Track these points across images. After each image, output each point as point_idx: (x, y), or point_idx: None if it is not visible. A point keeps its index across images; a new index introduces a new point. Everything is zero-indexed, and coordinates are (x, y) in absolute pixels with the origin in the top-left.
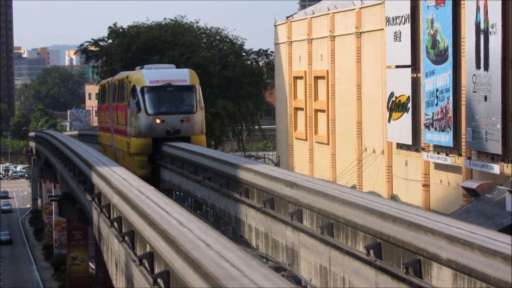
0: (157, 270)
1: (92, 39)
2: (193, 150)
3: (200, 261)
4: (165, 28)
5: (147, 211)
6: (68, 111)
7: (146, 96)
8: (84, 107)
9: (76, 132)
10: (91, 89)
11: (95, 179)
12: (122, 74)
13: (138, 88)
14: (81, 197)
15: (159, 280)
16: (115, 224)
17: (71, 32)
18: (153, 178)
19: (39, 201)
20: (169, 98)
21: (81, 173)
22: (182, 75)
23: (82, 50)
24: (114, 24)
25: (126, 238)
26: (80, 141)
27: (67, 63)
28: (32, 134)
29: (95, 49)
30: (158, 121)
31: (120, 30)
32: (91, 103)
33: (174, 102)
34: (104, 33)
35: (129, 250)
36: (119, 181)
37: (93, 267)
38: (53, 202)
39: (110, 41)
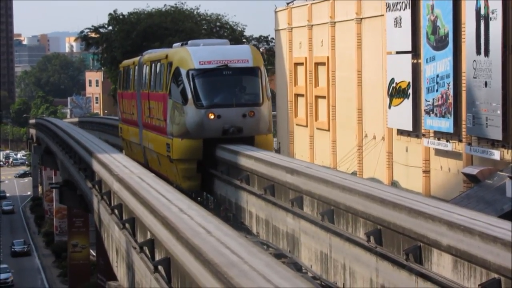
0: (157, 257)
1: (92, 26)
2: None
3: (200, 248)
4: (165, 15)
5: (148, 198)
6: (69, 98)
7: (195, 82)
8: (85, 94)
9: (76, 119)
10: (92, 76)
11: (96, 166)
12: (157, 53)
13: (183, 72)
14: (82, 184)
15: (159, 267)
16: (116, 211)
17: (72, 19)
18: (203, 193)
19: (39, 188)
20: (227, 84)
21: (81, 160)
22: (243, 54)
23: (82, 37)
24: (114, 11)
25: (127, 225)
26: (80, 128)
27: (67, 50)
28: (32, 121)
29: (95, 36)
30: (212, 116)
31: (120, 16)
32: (92, 90)
33: (233, 91)
34: (104, 20)
35: (130, 237)
36: (120, 168)
37: (94, 254)
38: (54, 189)
39: (110, 28)
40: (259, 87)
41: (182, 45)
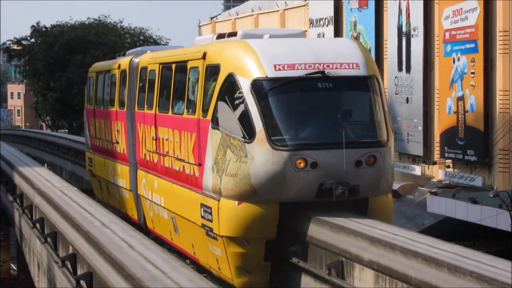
0: (80, 271)
1: (15, 38)
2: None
3: (123, 263)
4: (88, 28)
5: (70, 212)
6: None
7: (269, 102)
8: (6, 107)
9: None
10: (14, 88)
11: (17, 179)
12: (175, 50)
13: (246, 83)
14: (3, 198)
15: (82, 282)
16: (38, 225)
17: None
18: None
19: None
20: (326, 107)
21: (2, 173)
22: (349, 53)
23: (4, 49)
24: (37, 23)
25: (49, 239)
26: (1, 141)
27: None
28: None
29: (18, 48)
30: (302, 164)
31: (43, 29)
32: (13, 103)
33: (336, 118)
34: (27, 32)
35: (52, 252)
36: (42, 181)
37: (15, 268)
38: None
39: (33, 40)
40: (381, 113)
41: (219, 37)
